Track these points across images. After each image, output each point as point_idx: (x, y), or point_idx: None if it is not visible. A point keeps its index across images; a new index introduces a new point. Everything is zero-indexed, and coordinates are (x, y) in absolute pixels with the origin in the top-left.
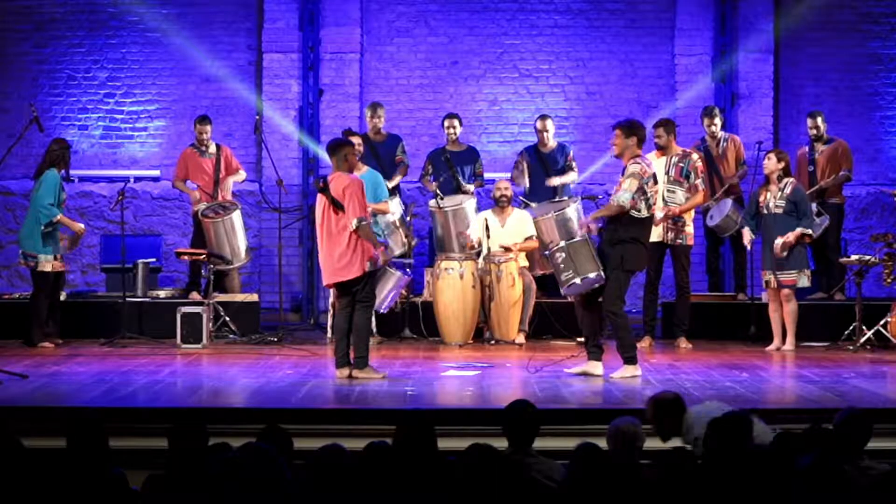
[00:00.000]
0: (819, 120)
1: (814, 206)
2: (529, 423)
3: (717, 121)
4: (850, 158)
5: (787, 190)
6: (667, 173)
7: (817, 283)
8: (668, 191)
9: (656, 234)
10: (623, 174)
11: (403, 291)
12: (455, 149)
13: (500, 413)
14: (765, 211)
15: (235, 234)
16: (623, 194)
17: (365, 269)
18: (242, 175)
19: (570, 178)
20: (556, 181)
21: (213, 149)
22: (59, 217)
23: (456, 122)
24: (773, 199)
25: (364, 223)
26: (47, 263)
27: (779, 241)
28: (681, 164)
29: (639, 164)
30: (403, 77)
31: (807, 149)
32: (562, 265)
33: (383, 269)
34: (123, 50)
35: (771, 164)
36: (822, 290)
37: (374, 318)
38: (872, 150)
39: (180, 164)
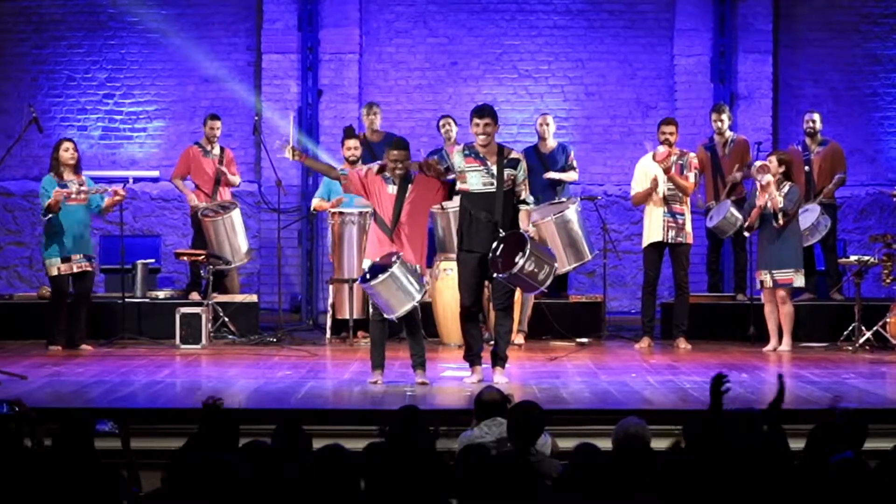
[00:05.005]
0: (817, 116)
1: (818, 207)
2: (535, 425)
3: (725, 117)
4: (845, 160)
5: (784, 190)
6: (665, 173)
7: (815, 284)
8: (669, 189)
9: (656, 234)
10: (516, 168)
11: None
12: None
13: (507, 414)
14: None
15: (236, 233)
16: (530, 196)
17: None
18: (237, 180)
19: (570, 177)
20: (553, 175)
21: (216, 150)
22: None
23: (451, 122)
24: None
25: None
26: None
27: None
28: (680, 163)
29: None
30: (402, 78)
31: (799, 148)
32: (535, 269)
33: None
34: (122, 51)
35: (772, 167)
36: (810, 290)
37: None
38: (872, 151)
39: (182, 162)
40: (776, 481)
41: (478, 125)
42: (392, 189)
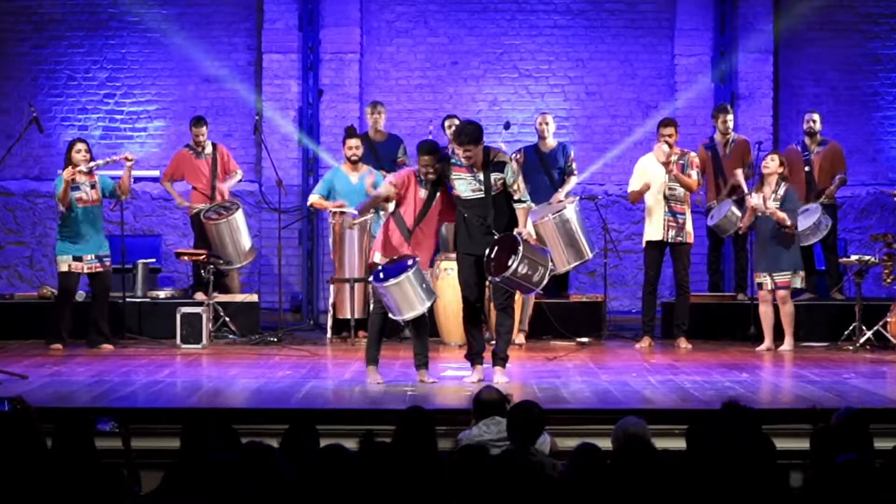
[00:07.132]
0: (817, 116)
1: (818, 206)
2: (535, 424)
3: (730, 118)
4: (845, 160)
5: (781, 192)
6: (668, 172)
7: (816, 284)
8: (670, 189)
9: (656, 233)
10: (503, 171)
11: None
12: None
13: (508, 413)
14: (758, 212)
15: (240, 234)
16: (526, 194)
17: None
18: (239, 175)
19: (572, 183)
20: (561, 196)
21: (209, 149)
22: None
23: (456, 121)
24: (766, 200)
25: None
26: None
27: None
28: (681, 162)
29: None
30: (403, 77)
31: (799, 148)
32: (528, 271)
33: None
34: (123, 50)
35: (773, 165)
36: (810, 290)
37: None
38: (872, 151)
39: (172, 165)
40: (761, 480)
41: (459, 151)
42: (423, 193)
